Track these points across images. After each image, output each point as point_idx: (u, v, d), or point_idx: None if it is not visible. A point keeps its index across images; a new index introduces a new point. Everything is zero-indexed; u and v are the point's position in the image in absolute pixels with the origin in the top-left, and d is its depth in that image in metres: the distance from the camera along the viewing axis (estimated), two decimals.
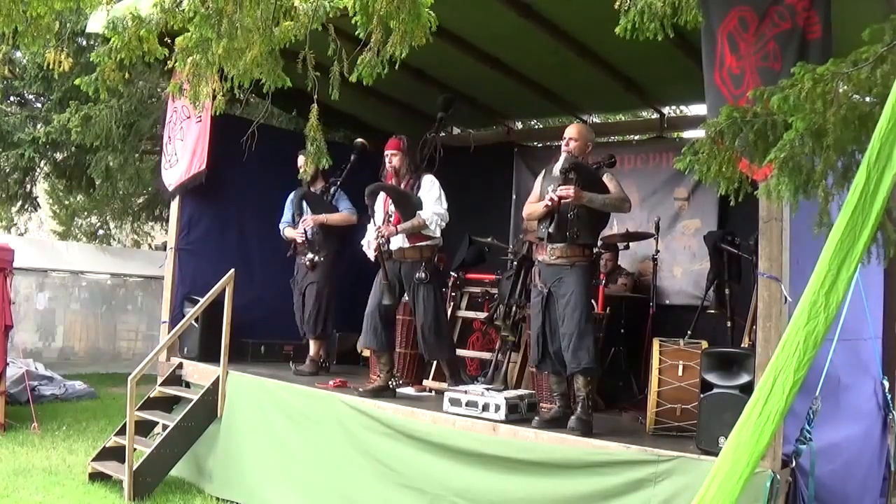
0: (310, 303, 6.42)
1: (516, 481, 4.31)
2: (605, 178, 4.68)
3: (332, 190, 6.52)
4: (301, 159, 6.37)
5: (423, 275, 5.39)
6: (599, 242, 5.39)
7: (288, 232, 6.62)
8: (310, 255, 6.41)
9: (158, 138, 9.38)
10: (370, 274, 5.72)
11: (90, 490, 5.75)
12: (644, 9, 3.19)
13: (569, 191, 4.47)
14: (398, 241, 5.50)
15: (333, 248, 6.52)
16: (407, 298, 5.65)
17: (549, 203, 4.56)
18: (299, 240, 6.48)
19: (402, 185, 5.55)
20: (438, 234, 5.48)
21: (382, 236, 5.46)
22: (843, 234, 2.33)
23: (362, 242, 5.76)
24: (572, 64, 6.23)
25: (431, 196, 5.44)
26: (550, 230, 4.59)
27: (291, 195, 6.66)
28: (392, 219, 5.52)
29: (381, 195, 5.54)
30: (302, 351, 6.72)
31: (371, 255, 5.60)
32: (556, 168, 4.69)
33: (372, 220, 5.56)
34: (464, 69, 6.63)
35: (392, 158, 5.59)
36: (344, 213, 6.51)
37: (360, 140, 6.27)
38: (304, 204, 6.53)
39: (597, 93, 7.14)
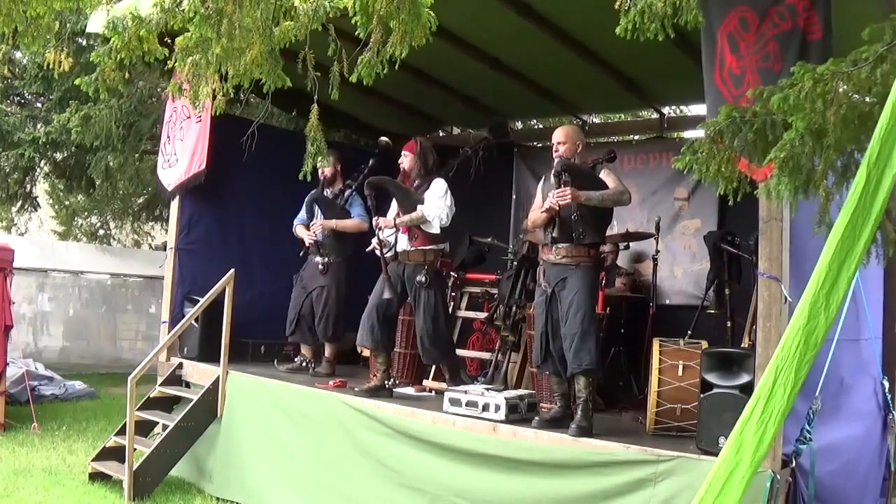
0: (319, 307, 6.33)
1: (516, 481, 4.31)
2: (603, 174, 4.68)
3: (346, 194, 6.36)
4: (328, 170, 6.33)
5: (424, 279, 5.39)
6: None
7: (298, 231, 6.56)
8: (317, 258, 6.37)
9: (158, 138, 9.38)
10: (375, 276, 5.72)
11: (90, 490, 5.75)
12: (644, 9, 3.18)
13: (565, 193, 4.48)
14: (403, 244, 5.52)
15: (345, 253, 6.43)
16: (409, 300, 5.65)
17: (549, 210, 4.57)
18: (307, 242, 6.44)
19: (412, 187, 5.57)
20: (438, 228, 5.43)
21: (379, 227, 5.49)
22: (844, 234, 2.33)
23: (372, 240, 5.75)
24: (572, 64, 6.22)
25: (435, 194, 5.44)
26: (554, 235, 4.60)
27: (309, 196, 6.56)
28: None
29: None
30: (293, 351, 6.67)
31: (374, 247, 5.62)
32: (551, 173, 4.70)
33: (374, 216, 5.57)
34: (464, 69, 6.63)
35: (403, 160, 5.64)
36: (355, 220, 6.35)
37: (384, 139, 6.09)
38: (316, 207, 6.46)
39: (597, 93, 7.14)
